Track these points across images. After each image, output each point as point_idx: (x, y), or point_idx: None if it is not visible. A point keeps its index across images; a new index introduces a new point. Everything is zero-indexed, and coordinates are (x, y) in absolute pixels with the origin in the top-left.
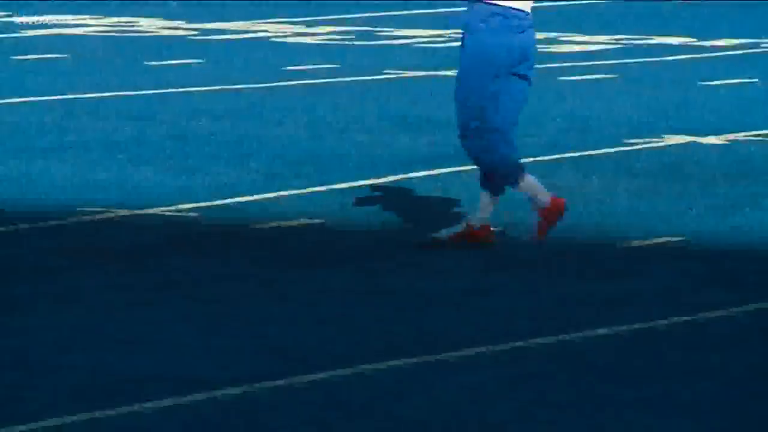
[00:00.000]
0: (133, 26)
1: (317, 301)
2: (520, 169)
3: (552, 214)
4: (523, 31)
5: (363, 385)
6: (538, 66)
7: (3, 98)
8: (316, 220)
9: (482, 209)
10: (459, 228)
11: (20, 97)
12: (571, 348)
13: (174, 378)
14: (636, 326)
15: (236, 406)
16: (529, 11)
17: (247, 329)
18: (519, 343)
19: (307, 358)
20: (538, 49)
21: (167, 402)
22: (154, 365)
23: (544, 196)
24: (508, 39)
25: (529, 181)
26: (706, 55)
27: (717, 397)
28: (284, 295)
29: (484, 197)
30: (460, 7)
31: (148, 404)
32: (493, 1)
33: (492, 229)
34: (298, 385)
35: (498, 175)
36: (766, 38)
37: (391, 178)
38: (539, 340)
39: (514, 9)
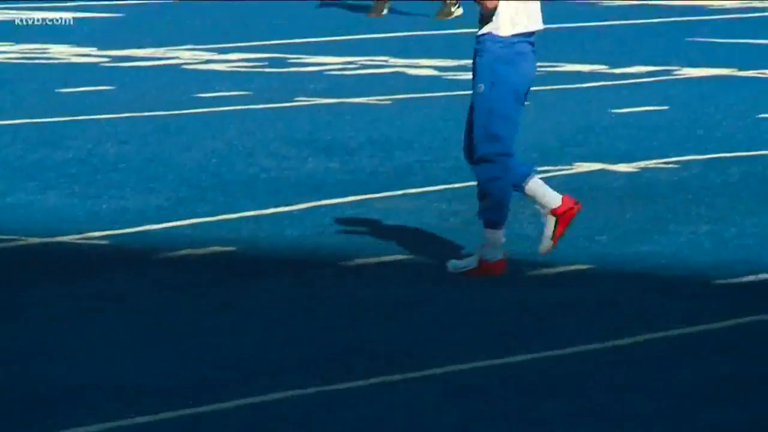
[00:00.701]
0: (44, 53)
1: (258, 309)
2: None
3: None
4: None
5: (298, 401)
6: (448, 93)
7: None
8: (228, 248)
9: (494, 244)
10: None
11: None
12: (505, 363)
13: (117, 387)
14: (561, 348)
15: (180, 419)
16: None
17: (189, 339)
18: (453, 357)
19: (251, 366)
20: (446, 76)
21: (110, 411)
22: (95, 376)
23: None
24: (530, 64)
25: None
26: (616, 82)
27: (644, 413)
28: (226, 304)
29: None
30: (377, 33)
31: (91, 416)
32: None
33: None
34: (241, 395)
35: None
36: (676, 65)
37: (301, 206)
38: (474, 354)
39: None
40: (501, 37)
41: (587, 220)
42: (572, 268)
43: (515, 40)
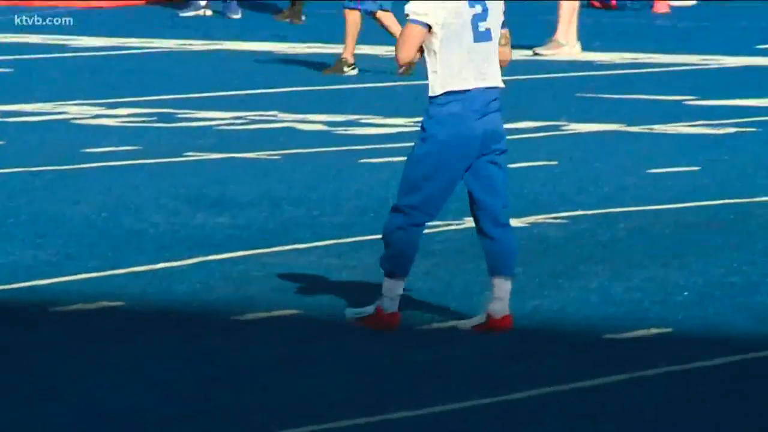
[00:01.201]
0: None
1: (144, 365)
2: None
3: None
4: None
5: None
6: (338, 148)
7: None
8: (116, 303)
9: (391, 294)
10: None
11: None
12: (384, 420)
13: None
14: (444, 404)
15: None
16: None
17: (74, 395)
18: (329, 415)
19: (135, 421)
20: (336, 131)
21: None
22: None
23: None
24: (465, 125)
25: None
26: (507, 137)
27: None
28: (112, 361)
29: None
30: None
31: None
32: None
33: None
34: None
35: None
36: (565, 121)
37: (190, 261)
38: (351, 412)
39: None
40: (433, 96)
41: (477, 274)
42: (463, 322)
43: (446, 100)
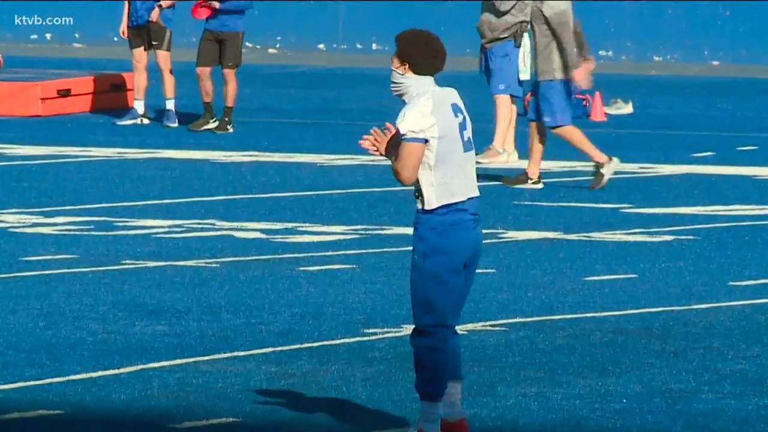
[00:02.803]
0: None
1: None
2: None
3: None
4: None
5: None
6: (276, 256)
7: None
8: (55, 411)
9: (431, 417)
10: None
11: None
12: None
13: None
14: None
15: None
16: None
17: None
18: None
19: None
20: (274, 239)
21: None
22: None
23: None
24: (466, 233)
25: None
26: None
27: None
28: None
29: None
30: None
31: None
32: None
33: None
34: None
35: None
36: (502, 228)
37: (129, 369)
38: None
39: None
40: (430, 209)
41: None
42: (401, 430)
43: (444, 211)
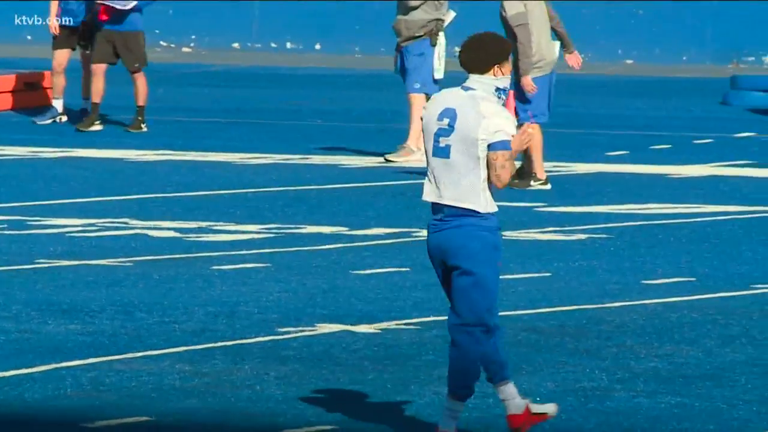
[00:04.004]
0: None
1: None
2: None
3: None
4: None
5: None
6: (190, 255)
7: None
8: None
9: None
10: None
11: None
12: None
13: None
14: None
15: None
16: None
17: None
18: None
19: None
20: (188, 238)
21: None
22: None
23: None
24: (430, 236)
25: None
26: (357, 244)
27: None
28: None
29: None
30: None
31: None
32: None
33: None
34: None
35: None
36: (416, 227)
37: (42, 368)
38: None
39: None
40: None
41: (330, 382)
42: (315, 429)
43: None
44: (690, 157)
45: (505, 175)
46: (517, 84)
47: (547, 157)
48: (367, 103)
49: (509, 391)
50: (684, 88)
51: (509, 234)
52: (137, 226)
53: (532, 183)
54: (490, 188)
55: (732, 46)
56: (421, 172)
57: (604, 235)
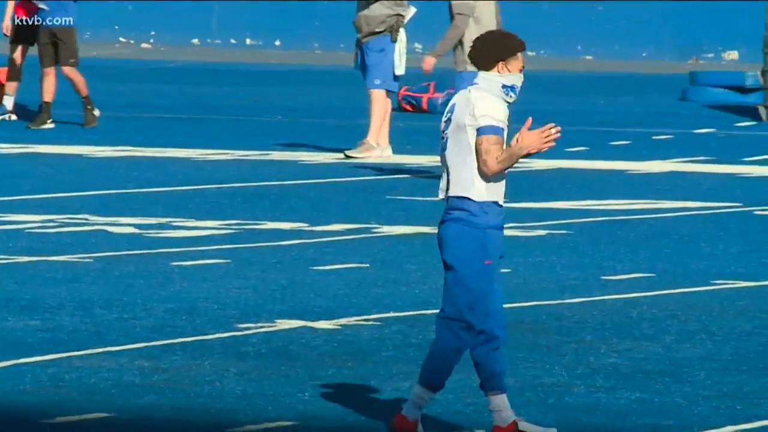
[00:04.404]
0: None
1: None
2: None
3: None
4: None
5: None
6: (150, 251)
7: None
8: None
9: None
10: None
11: None
12: None
13: None
14: None
15: None
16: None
17: None
18: None
19: None
20: (147, 234)
21: None
22: None
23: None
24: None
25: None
26: (317, 240)
27: None
28: None
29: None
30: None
31: None
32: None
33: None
34: None
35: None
36: (375, 223)
37: (1, 364)
38: None
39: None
40: None
41: (290, 378)
42: (275, 425)
43: None
44: (649, 153)
45: (490, 160)
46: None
47: None
48: (326, 99)
49: (497, 402)
50: (643, 85)
51: None
52: (97, 222)
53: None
54: (482, 177)
55: (691, 43)
56: (381, 168)
57: (564, 231)
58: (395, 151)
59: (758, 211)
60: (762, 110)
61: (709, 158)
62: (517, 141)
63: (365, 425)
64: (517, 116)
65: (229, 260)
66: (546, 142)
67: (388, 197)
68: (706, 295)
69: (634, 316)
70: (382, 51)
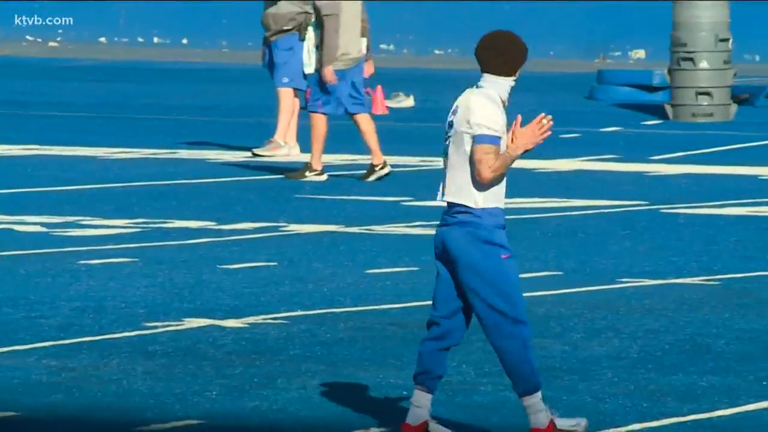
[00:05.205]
0: None
1: None
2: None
3: None
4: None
5: None
6: (57, 249)
7: None
8: None
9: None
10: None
11: None
12: None
13: None
14: None
15: None
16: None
17: None
18: None
19: None
20: (54, 232)
21: None
22: None
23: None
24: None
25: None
26: (224, 238)
27: None
28: None
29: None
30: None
31: None
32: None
33: None
34: None
35: None
36: (283, 222)
37: None
38: None
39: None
40: None
41: (197, 376)
42: (183, 423)
43: None
44: (556, 152)
45: (483, 170)
46: (318, 73)
47: (414, 152)
48: (234, 97)
49: (420, 397)
50: (551, 83)
51: (377, 228)
52: (3, 220)
53: (306, 174)
54: (479, 185)
55: (599, 41)
56: (288, 168)
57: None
58: (303, 150)
59: (665, 209)
60: (669, 109)
61: (616, 157)
62: (512, 141)
63: (272, 423)
64: (426, 114)
65: (136, 259)
66: (542, 135)
67: (296, 196)
68: (613, 293)
69: (541, 314)
70: (291, 49)
